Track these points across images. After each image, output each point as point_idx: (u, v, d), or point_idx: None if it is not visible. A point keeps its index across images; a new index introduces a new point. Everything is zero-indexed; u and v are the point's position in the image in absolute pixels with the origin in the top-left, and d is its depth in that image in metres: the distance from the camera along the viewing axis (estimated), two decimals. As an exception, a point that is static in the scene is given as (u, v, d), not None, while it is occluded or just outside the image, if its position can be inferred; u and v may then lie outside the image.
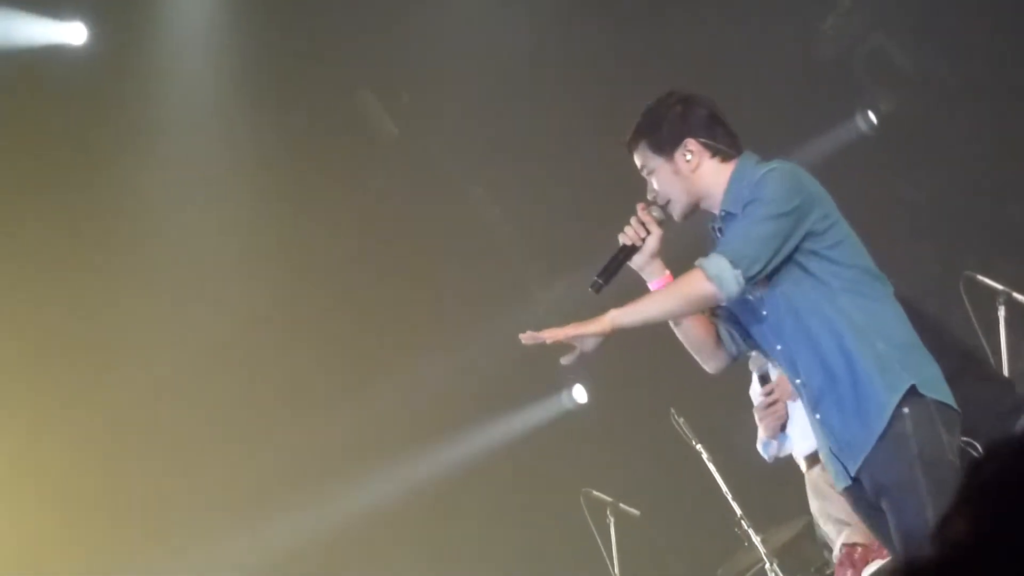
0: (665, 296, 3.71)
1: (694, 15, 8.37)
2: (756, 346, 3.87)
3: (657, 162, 3.78)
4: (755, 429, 5.30)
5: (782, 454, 5.41)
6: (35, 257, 7.77)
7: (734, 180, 3.72)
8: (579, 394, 9.62)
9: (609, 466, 8.55)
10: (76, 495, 7.96)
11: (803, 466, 5.33)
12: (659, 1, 8.47)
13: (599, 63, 8.51)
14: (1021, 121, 8.13)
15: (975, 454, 3.95)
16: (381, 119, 8.65)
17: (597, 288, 3.75)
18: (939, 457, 3.47)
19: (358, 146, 8.60)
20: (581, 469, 8.35)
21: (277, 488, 8.33)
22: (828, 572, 5.37)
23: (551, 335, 3.59)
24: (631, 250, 3.80)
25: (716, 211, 3.76)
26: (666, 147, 3.76)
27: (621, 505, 6.91)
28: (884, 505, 3.54)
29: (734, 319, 3.84)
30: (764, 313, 3.71)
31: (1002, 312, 5.61)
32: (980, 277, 5.70)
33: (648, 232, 3.79)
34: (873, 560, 4.95)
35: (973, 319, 5.54)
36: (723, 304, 3.73)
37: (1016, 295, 5.63)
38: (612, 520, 6.77)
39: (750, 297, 3.72)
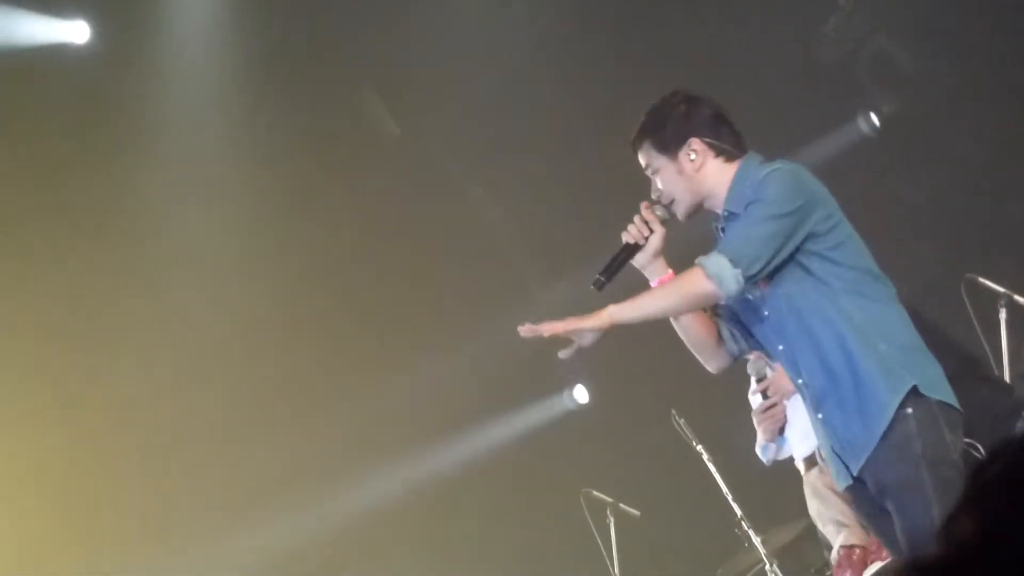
0: (664, 293, 3.71)
1: (696, 16, 8.37)
2: (758, 346, 3.87)
3: (661, 161, 3.79)
4: (755, 431, 5.31)
5: (780, 457, 5.42)
6: (36, 256, 7.77)
7: (737, 180, 3.71)
8: (580, 394, 9.62)
9: (610, 466, 8.55)
10: (76, 495, 7.95)
11: (802, 468, 5.34)
12: (661, 2, 8.47)
13: (601, 64, 8.51)
14: (1023, 122, 8.13)
15: (977, 455, 3.96)
16: (383, 119, 8.65)
17: (599, 286, 3.75)
18: (944, 457, 3.47)
19: (359, 145, 8.60)
20: (582, 469, 8.35)
21: (277, 488, 8.32)
22: (828, 573, 5.36)
23: (549, 328, 3.59)
24: (634, 248, 3.80)
25: (719, 211, 3.76)
26: (670, 146, 3.76)
27: (621, 505, 6.91)
28: (889, 506, 3.54)
29: (736, 318, 3.85)
30: (766, 313, 3.71)
31: (1003, 315, 5.60)
32: (981, 279, 5.69)
33: (651, 231, 3.79)
34: (872, 562, 4.95)
35: (974, 321, 5.53)
36: (722, 303, 3.73)
37: (1017, 297, 5.63)
38: (612, 520, 6.78)
39: (750, 297, 3.72)
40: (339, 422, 8.48)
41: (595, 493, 6.95)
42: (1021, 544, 1.35)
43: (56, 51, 7.55)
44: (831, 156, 8.39)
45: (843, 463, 3.62)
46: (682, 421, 6.06)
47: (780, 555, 6.16)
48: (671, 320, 3.85)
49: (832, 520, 5.16)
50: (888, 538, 3.69)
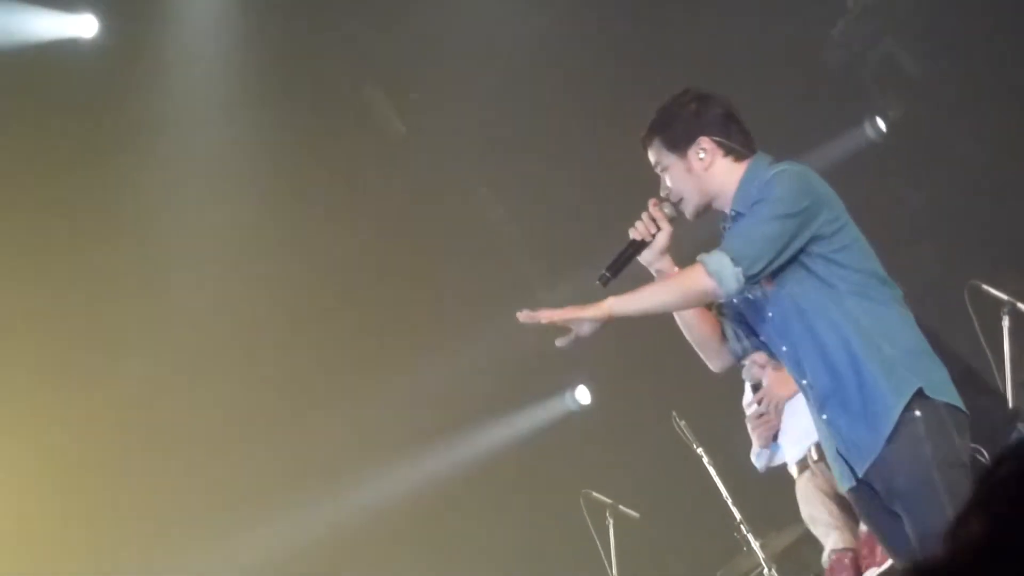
0: (664, 288, 3.71)
1: (701, 18, 8.37)
2: (762, 346, 3.86)
3: (670, 159, 3.79)
4: (752, 436, 5.33)
5: (774, 463, 5.43)
6: (38, 254, 7.76)
7: (746, 180, 3.71)
8: (582, 395, 9.62)
9: (610, 468, 8.55)
10: (76, 494, 7.94)
11: (794, 473, 5.35)
12: (667, 3, 8.46)
13: (605, 64, 8.51)
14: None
15: (982, 460, 3.96)
16: (388, 117, 8.65)
17: (605, 281, 3.76)
18: (954, 459, 3.48)
19: (362, 144, 8.59)
20: (582, 470, 8.35)
21: (278, 487, 8.32)
22: (825, 578, 5.36)
23: (548, 316, 3.60)
24: (641, 245, 3.80)
25: (727, 211, 3.76)
26: (680, 144, 3.76)
27: (621, 507, 6.90)
28: (899, 508, 3.54)
29: (741, 318, 3.84)
30: (770, 314, 3.71)
31: (1006, 322, 5.58)
32: (985, 286, 5.68)
33: (659, 228, 3.79)
34: (867, 567, 4.96)
35: (977, 328, 5.52)
36: (722, 300, 3.73)
37: (1021, 305, 5.61)
38: (611, 522, 6.77)
39: (751, 296, 3.72)
40: (340, 422, 8.47)
41: (595, 494, 6.94)
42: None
43: (64, 46, 7.55)
44: (838, 160, 8.38)
45: (848, 465, 3.61)
46: (683, 423, 6.06)
47: (779, 559, 6.16)
48: (675, 317, 3.85)
49: (821, 523, 5.17)
50: (888, 539, 3.70)
